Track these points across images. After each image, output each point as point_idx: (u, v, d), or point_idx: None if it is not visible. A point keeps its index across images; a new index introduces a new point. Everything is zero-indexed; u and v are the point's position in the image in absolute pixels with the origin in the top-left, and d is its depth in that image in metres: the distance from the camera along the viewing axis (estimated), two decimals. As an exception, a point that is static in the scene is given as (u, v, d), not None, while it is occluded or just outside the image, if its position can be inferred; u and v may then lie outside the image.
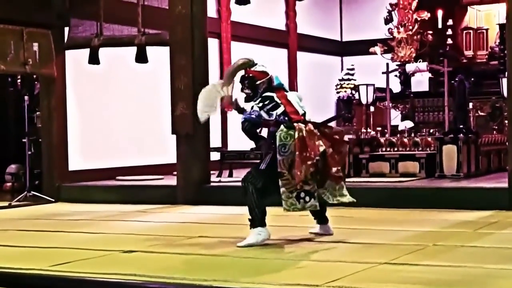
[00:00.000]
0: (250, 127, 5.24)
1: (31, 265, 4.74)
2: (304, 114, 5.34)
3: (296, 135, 5.11)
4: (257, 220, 5.28)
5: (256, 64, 5.50)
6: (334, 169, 5.22)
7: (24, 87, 10.26)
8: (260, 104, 5.28)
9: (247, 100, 5.42)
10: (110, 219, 7.28)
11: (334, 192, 5.36)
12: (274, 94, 5.34)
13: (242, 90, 5.47)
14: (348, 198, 5.45)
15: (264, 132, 5.39)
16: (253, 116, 5.22)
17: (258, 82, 5.40)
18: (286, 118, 5.21)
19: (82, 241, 5.81)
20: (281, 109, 5.26)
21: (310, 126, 5.19)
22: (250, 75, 5.41)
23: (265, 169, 5.25)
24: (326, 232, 5.65)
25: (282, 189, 5.13)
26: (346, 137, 5.48)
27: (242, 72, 5.46)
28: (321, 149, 5.12)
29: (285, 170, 5.11)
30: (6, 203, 8.64)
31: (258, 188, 5.23)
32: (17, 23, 8.68)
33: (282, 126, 5.16)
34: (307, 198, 5.16)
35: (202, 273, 4.45)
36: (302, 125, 5.15)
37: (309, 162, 5.07)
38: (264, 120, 5.23)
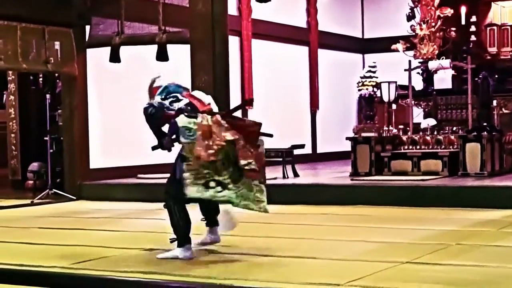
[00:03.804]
0: (154, 112, 4.94)
1: (52, 263, 4.76)
2: (209, 104, 4.95)
3: (199, 121, 4.76)
4: (183, 237, 4.92)
5: (154, 80, 5.23)
6: (243, 162, 4.71)
7: (46, 86, 10.32)
8: (163, 96, 5.04)
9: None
10: (131, 217, 7.29)
11: (248, 194, 4.78)
12: (178, 94, 5.08)
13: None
14: (260, 207, 4.81)
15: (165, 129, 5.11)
16: (155, 104, 4.95)
17: (156, 95, 5.12)
18: (189, 108, 4.88)
19: (102, 239, 5.82)
20: (184, 102, 4.96)
21: (218, 116, 4.79)
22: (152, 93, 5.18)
23: (180, 177, 4.82)
24: (214, 240, 5.18)
25: (186, 174, 4.68)
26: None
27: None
28: (228, 138, 4.69)
29: (189, 154, 4.74)
30: (28, 201, 8.70)
31: (182, 202, 4.92)
32: (38, 22, 8.73)
33: (183, 114, 4.84)
34: (219, 188, 4.69)
35: (222, 271, 4.43)
36: (207, 116, 4.77)
37: (210, 151, 4.68)
38: (166, 109, 4.93)
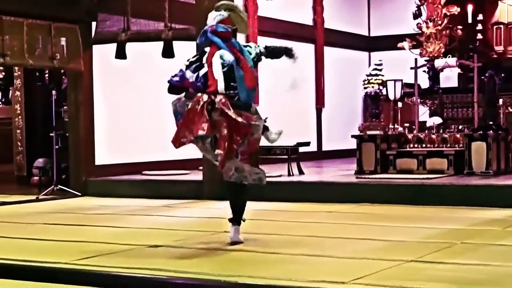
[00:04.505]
0: (170, 91, 4.99)
1: (57, 258, 4.77)
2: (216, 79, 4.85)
3: (190, 105, 4.80)
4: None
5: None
6: (217, 151, 4.77)
7: (51, 82, 10.33)
8: (192, 60, 4.99)
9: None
10: (136, 214, 7.30)
11: (242, 167, 4.87)
12: (208, 50, 4.98)
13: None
14: (254, 178, 4.94)
15: None
16: (176, 78, 4.92)
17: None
18: (202, 83, 4.83)
19: (107, 235, 5.83)
20: (203, 70, 4.90)
21: (222, 100, 4.74)
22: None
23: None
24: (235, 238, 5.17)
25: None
26: (257, 123, 4.79)
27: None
28: (200, 133, 4.71)
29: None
30: (33, 197, 8.72)
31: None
32: (45, 18, 8.73)
33: (182, 95, 4.87)
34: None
35: (227, 268, 4.43)
36: (205, 96, 4.77)
37: (183, 140, 4.81)
38: (184, 81, 4.89)
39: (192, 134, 4.81)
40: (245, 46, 5.14)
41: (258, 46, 5.25)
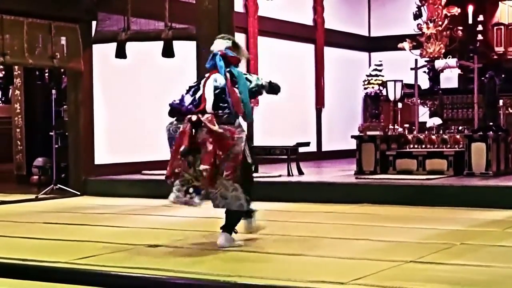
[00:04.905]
0: (170, 114, 5.19)
1: (55, 258, 4.76)
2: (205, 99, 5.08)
3: (181, 128, 5.01)
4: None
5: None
6: (202, 167, 4.90)
7: (51, 81, 10.32)
8: (192, 85, 5.25)
9: None
10: (135, 213, 7.30)
11: (226, 193, 5.02)
12: (207, 75, 5.23)
13: None
14: (238, 204, 5.04)
15: None
16: (176, 101, 5.17)
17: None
18: (196, 104, 5.08)
19: (107, 235, 5.83)
20: (199, 93, 5.15)
21: (209, 118, 4.96)
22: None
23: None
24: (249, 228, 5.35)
25: (176, 181, 5.03)
26: (236, 137, 4.97)
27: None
28: (181, 149, 4.93)
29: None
30: (32, 196, 8.71)
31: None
32: (45, 18, 8.73)
33: (174, 120, 5.12)
34: (194, 194, 5.00)
35: (226, 268, 4.43)
36: (194, 116, 4.97)
37: (177, 170, 5.01)
38: (181, 107, 5.13)
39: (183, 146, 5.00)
40: (245, 75, 5.37)
41: (263, 79, 5.47)
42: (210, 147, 4.91)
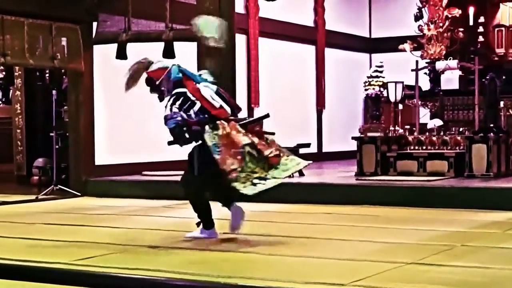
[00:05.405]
0: (180, 132, 5.18)
1: (55, 259, 4.76)
2: (221, 106, 5.28)
3: (221, 133, 5.14)
4: (208, 221, 5.46)
5: (151, 63, 5.45)
6: (267, 152, 5.19)
7: (52, 82, 10.33)
8: (177, 104, 5.21)
9: (160, 100, 5.38)
10: (136, 214, 7.29)
11: (283, 167, 5.25)
12: (185, 90, 5.25)
13: (150, 92, 5.47)
14: (298, 163, 5.35)
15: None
16: (179, 118, 5.16)
17: (157, 82, 5.36)
18: (206, 115, 5.19)
19: (107, 236, 5.82)
20: (197, 106, 5.21)
21: (233, 123, 5.27)
22: (148, 77, 5.39)
23: (199, 173, 5.27)
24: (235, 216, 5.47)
25: (235, 184, 5.07)
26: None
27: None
28: (244, 142, 5.14)
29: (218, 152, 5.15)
30: (33, 197, 8.71)
31: (203, 194, 5.43)
32: (46, 18, 8.73)
33: (207, 127, 5.16)
34: (263, 181, 5.15)
35: (226, 269, 4.42)
36: (225, 123, 5.20)
37: (238, 157, 5.09)
38: (187, 120, 5.18)
39: (239, 144, 5.16)
40: (200, 75, 5.53)
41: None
42: (256, 140, 5.22)
